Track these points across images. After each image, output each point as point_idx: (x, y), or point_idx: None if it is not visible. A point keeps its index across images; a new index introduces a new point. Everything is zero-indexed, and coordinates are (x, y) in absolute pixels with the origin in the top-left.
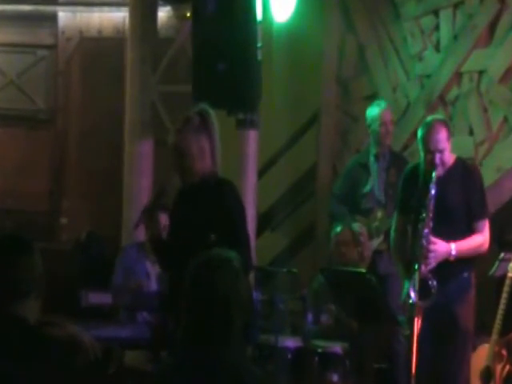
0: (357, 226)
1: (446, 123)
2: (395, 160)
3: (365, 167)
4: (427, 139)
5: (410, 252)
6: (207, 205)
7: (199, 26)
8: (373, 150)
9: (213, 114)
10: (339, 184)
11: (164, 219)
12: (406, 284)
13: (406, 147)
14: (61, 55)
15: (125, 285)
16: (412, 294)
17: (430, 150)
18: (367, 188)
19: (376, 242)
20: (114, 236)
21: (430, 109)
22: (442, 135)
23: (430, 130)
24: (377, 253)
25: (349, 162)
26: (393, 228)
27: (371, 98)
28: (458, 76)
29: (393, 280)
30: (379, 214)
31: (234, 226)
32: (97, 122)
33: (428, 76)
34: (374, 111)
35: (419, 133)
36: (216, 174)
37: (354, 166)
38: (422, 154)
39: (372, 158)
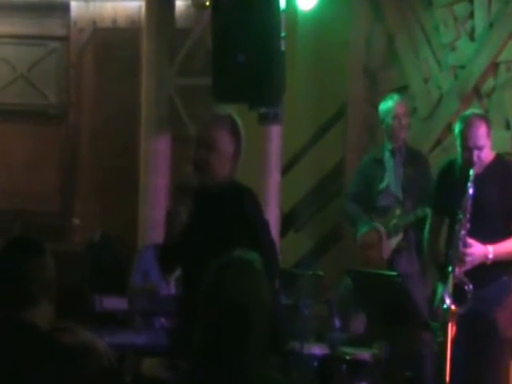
0: (376, 226)
1: (485, 118)
2: (412, 155)
3: (380, 163)
4: (465, 135)
5: (445, 254)
6: (227, 214)
7: (218, 16)
8: (388, 146)
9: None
10: (353, 182)
11: None
12: (440, 288)
13: (438, 142)
14: (73, 47)
15: (141, 289)
16: (446, 299)
17: (468, 147)
18: (383, 185)
19: (395, 241)
20: (129, 237)
21: (464, 101)
22: (481, 131)
23: (468, 125)
24: (396, 251)
25: (363, 159)
26: (427, 228)
27: (401, 90)
28: (494, 66)
29: (414, 280)
30: (397, 211)
31: (256, 236)
32: (111, 118)
33: (462, 67)
34: (386, 105)
35: (456, 128)
36: (234, 182)
37: (368, 162)
38: (458, 150)
39: (387, 154)
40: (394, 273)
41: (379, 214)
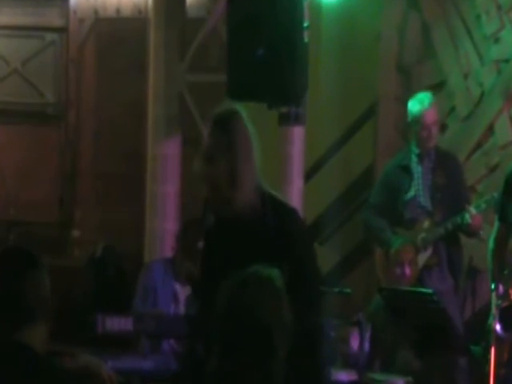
0: (400, 246)
1: None
2: (443, 159)
3: (406, 170)
4: None
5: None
6: (264, 241)
7: (235, 4)
8: (415, 150)
9: (244, 121)
10: (375, 191)
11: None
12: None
13: (479, 145)
14: (72, 40)
15: (148, 309)
16: (497, 325)
17: None
18: (410, 194)
19: (423, 257)
20: (134, 251)
21: (509, 99)
22: None
23: None
24: (425, 269)
25: (387, 165)
26: (492, 237)
27: (438, 88)
28: None
29: (447, 298)
30: (426, 223)
31: (300, 267)
32: (115, 118)
33: (506, 60)
34: (415, 108)
35: None
36: (268, 198)
37: (392, 169)
38: None
39: (414, 159)
40: (429, 290)
41: (405, 228)
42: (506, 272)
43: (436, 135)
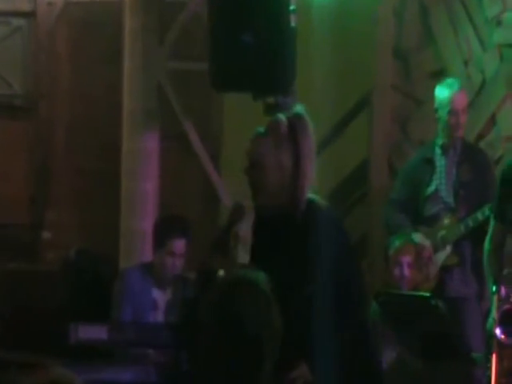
0: (418, 238)
1: None
2: (470, 153)
3: (430, 163)
4: None
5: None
6: (298, 246)
7: None
8: (439, 141)
9: (308, 121)
10: (398, 186)
11: (180, 247)
12: (494, 311)
13: (481, 136)
14: (41, 25)
15: (126, 317)
16: (496, 326)
17: None
18: (431, 189)
19: (442, 256)
20: (111, 254)
21: None
22: None
23: None
24: (445, 270)
25: (411, 158)
26: (488, 239)
27: (437, 75)
28: None
29: (468, 305)
30: (446, 220)
31: (340, 273)
32: (89, 111)
33: (509, 45)
34: (443, 93)
35: None
36: (304, 201)
37: (416, 162)
38: None
39: (438, 151)
40: (427, 294)
41: (427, 225)
42: (505, 272)
43: (464, 124)
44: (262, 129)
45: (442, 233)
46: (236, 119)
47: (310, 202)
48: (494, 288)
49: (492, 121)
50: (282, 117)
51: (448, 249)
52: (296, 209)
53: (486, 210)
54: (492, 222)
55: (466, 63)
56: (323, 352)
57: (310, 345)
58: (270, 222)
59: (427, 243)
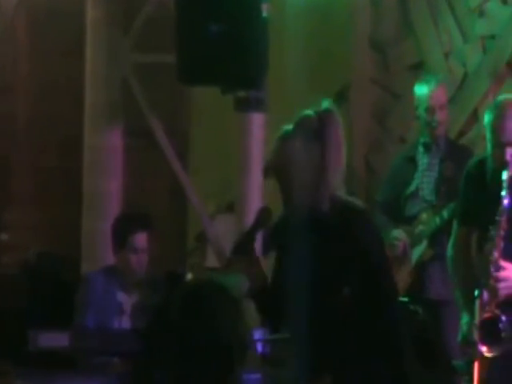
0: (397, 233)
1: None
2: (454, 150)
3: (412, 161)
4: (496, 127)
5: (476, 276)
6: (332, 247)
7: None
8: (422, 139)
9: (338, 116)
10: (382, 187)
11: (142, 241)
12: (465, 318)
13: (462, 134)
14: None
15: (89, 323)
16: (474, 335)
17: (500, 143)
18: (412, 188)
19: (417, 252)
20: (72, 256)
21: (496, 81)
22: None
23: (500, 114)
24: (423, 267)
25: (395, 158)
26: (451, 243)
27: (417, 68)
28: None
29: (449, 309)
30: (424, 215)
31: (373, 275)
32: (50, 105)
33: (492, 36)
34: (420, 90)
35: (486, 117)
36: (334, 200)
37: (399, 161)
38: (488, 145)
39: (421, 149)
40: (405, 299)
41: (408, 224)
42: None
43: (444, 121)
44: (289, 127)
45: (420, 228)
46: (204, 114)
47: (343, 201)
48: (476, 292)
49: (474, 116)
50: (310, 112)
51: (424, 243)
52: (325, 204)
53: None
54: (455, 226)
55: (446, 55)
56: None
57: (341, 356)
58: (302, 222)
59: (404, 238)
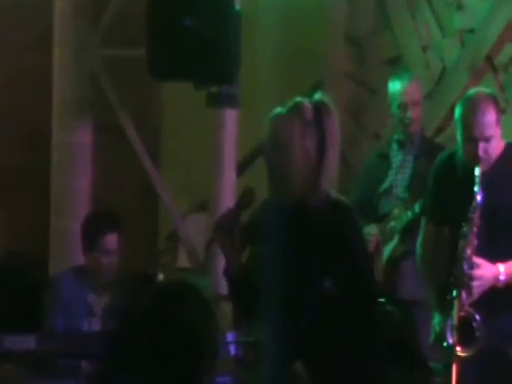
0: (370, 228)
1: (494, 99)
2: (429, 147)
3: (386, 159)
4: (468, 122)
5: (446, 275)
6: (318, 239)
7: None
8: (395, 135)
9: (334, 109)
10: (355, 187)
11: (113, 242)
12: (438, 318)
13: (440, 130)
14: None
15: (59, 325)
16: (449, 336)
17: (472, 137)
18: (385, 185)
19: (388, 248)
20: (40, 257)
21: (475, 76)
22: (489, 117)
23: (472, 108)
24: (396, 265)
25: (368, 155)
26: (420, 241)
27: (393, 63)
28: None
29: (422, 310)
30: (396, 211)
31: (358, 273)
32: (16, 100)
33: (471, 30)
34: (394, 87)
35: (457, 111)
36: (325, 194)
37: (372, 159)
38: (460, 140)
39: (395, 146)
40: (382, 299)
41: (381, 223)
42: (452, 278)
43: (418, 118)
44: (282, 109)
45: (391, 224)
46: (176, 110)
47: (334, 198)
48: (454, 294)
49: (452, 113)
50: (305, 100)
51: (395, 239)
52: (317, 197)
53: None
54: (423, 223)
55: (424, 50)
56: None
57: (314, 343)
58: (287, 214)
59: (377, 236)
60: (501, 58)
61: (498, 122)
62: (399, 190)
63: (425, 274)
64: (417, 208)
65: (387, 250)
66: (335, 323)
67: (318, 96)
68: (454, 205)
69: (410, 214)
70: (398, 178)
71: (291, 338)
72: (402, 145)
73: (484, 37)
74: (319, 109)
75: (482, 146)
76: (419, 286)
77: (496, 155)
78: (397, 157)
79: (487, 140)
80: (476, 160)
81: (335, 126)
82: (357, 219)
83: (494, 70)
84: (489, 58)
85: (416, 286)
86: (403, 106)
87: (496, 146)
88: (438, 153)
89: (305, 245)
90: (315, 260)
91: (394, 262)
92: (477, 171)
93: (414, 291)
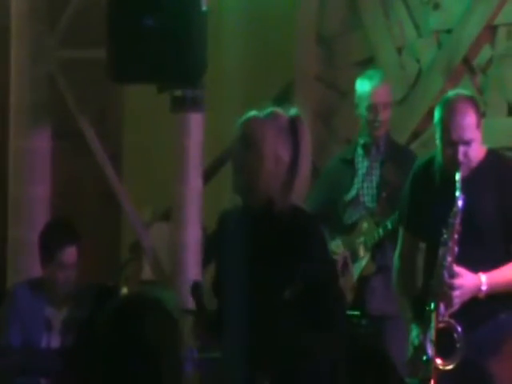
0: (334, 246)
1: (474, 102)
2: (395, 152)
3: (351, 164)
4: (447, 124)
5: (423, 286)
6: (283, 249)
7: None
8: (361, 140)
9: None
10: (314, 193)
11: (71, 255)
12: (415, 330)
13: (416, 135)
14: None
15: (14, 341)
16: (428, 349)
17: (451, 141)
18: (352, 194)
19: (359, 266)
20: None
21: (451, 78)
22: (468, 119)
23: (451, 111)
24: (365, 281)
25: (330, 161)
26: (397, 252)
27: (366, 64)
28: (491, 30)
29: (392, 325)
30: (365, 224)
31: (323, 285)
32: None
33: (448, 31)
34: (362, 87)
35: (436, 114)
36: (294, 204)
37: (334, 164)
38: (439, 144)
39: (360, 151)
40: (356, 312)
41: (347, 234)
42: (432, 287)
43: (386, 121)
44: (256, 112)
45: (361, 239)
46: (138, 115)
47: (297, 208)
48: (432, 305)
49: (429, 117)
50: (280, 110)
51: (366, 256)
52: (285, 205)
53: None
54: (401, 234)
55: (399, 51)
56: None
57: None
58: (252, 220)
59: (344, 252)
60: (479, 60)
61: (478, 125)
62: (366, 199)
63: (400, 285)
64: (389, 224)
65: (358, 268)
66: (297, 332)
67: (293, 111)
68: (432, 212)
69: (381, 230)
70: (364, 185)
71: (254, 349)
72: (367, 149)
73: (461, 37)
74: (295, 120)
75: (461, 149)
76: (388, 300)
77: (477, 160)
78: (362, 162)
79: (467, 143)
80: (455, 164)
81: (308, 139)
82: (322, 229)
83: (472, 72)
84: (466, 60)
85: (385, 301)
86: (373, 108)
87: (477, 151)
88: (406, 157)
89: (266, 250)
90: (277, 267)
91: (365, 279)
92: (457, 176)
93: (383, 306)
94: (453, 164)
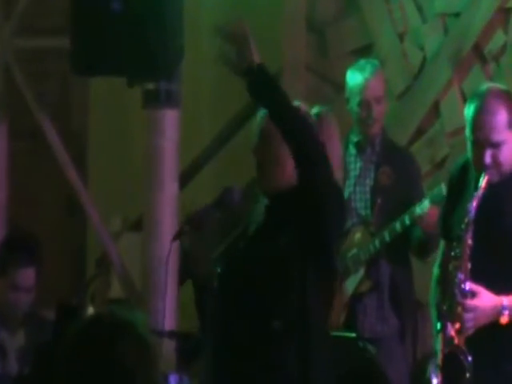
0: None
1: (509, 98)
2: (390, 151)
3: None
4: (474, 123)
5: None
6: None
7: None
8: (354, 137)
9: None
10: None
11: (26, 278)
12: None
13: (420, 131)
14: None
15: None
16: (433, 378)
17: (478, 141)
18: None
19: (353, 282)
20: None
21: (460, 67)
22: (498, 119)
23: (479, 108)
24: (357, 299)
25: None
26: (437, 262)
27: (363, 53)
28: (504, 13)
29: (386, 348)
30: (357, 235)
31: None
32: None
33: (456, 15)
34: (353, 79)
35: (466, 110)
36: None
37: None
38: (469, 145)
39: (353, 150)
40: (352, 335)
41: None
42: (445, 307)
43: (381, 117)
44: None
45: (354, 252)
46: (105, 112)
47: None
48: (438, 326)
49: (435, 111)
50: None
51: (361, 271)
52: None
53: (406, 220)
54: (441, 243)
55: (400, 37)
56: None
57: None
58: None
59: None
60: (491, 47)
61: (510, 125)
62: (359, 206)
63: (434, 300)
64: (387, 236)
65: (351, 284)
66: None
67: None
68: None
69: (377, 243)
70: (357, 190)
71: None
72: (360, 149)
73: (470, 22)
74: (322, 119)
75: (488, 152)
76: (380, 321)
77: (508, 167)
78: (355, 164)
79: (495, 146)
80: (482, 168)
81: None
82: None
83: (483, 60)
84: (476, 47)
85: (377, 322)
86: (365, 104)
87: (509, 154)
88: (404, 160)
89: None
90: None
91: (358, 297)
92: (481, 181)
93: (374, 327)
94: (479, 166)
